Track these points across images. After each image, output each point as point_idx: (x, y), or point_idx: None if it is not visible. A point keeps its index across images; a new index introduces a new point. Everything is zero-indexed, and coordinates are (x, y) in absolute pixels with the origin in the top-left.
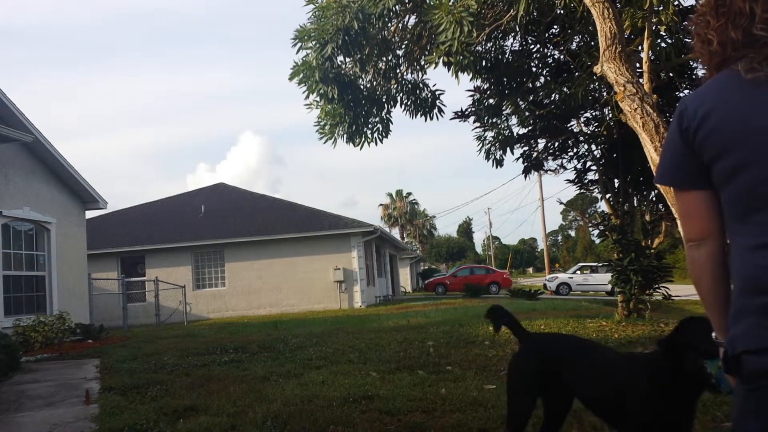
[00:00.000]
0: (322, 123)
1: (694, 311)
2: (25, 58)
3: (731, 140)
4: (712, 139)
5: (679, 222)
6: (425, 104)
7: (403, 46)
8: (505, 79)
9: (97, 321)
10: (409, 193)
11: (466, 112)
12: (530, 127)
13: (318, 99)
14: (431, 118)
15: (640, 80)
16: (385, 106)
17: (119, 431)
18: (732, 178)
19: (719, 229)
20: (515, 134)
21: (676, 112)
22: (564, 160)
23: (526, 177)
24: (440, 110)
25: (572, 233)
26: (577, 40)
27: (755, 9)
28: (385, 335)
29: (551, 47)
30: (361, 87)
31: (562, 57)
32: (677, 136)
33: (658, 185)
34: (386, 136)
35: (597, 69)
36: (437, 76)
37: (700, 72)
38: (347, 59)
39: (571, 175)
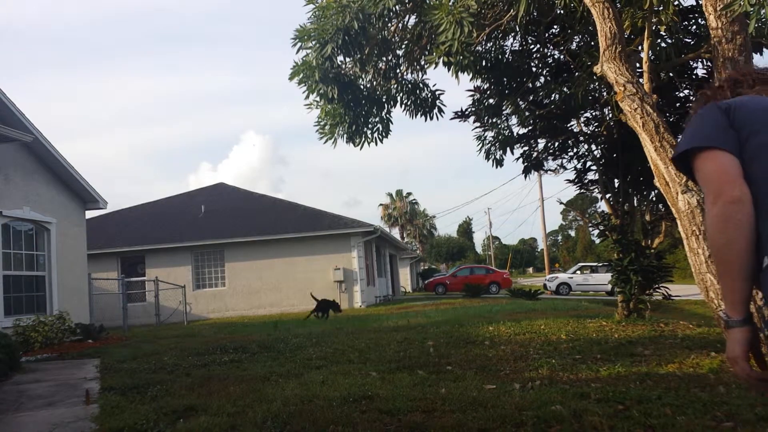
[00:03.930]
0: (322, 123)
1: (695, 311)
2: (25, 58)
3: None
4: (748, 118)
5: (709, 182)
6: (425, 104)
7: (403, 46)
8: (505, 79)
9: (97, 321)
10: (409, 193)
11: (466, 112)
12: (530, 127)
13: (318, 99)
14: (431, 118)
15: (640, 80)
16: (385, 106)
17: (119, 431)
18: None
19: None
20: (515, 134)
21: (720, 107)
22: (564, 160)
23: (526, 177)
24: (440, 110)
25: (572, 233)
26: (577, 40)
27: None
28: (385, 335)
29: (551, 47)
30: (361, 87)
31: (562, 57)
32: (719, 114)
33: (676, 161)
34: (386, 136)
35: (597, 69)
36: (437, 76)
37: (700, 72)
38: (347, 59)
39: (571, 175)
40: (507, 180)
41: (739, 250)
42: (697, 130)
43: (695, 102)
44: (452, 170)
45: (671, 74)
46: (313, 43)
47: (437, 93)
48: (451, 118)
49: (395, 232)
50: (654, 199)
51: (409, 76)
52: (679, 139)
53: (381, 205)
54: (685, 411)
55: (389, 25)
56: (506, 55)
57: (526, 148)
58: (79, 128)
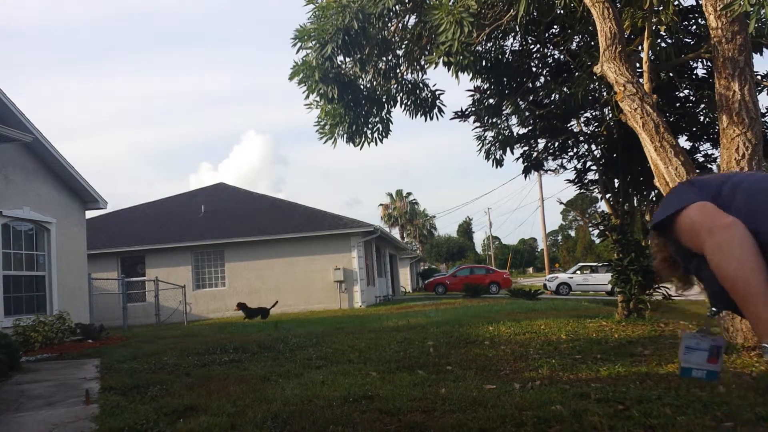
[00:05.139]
0: (322, 123)
1: (695, 311)
2: (25, 59)
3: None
4: (709, 180)
5: (697, 224)
6: (425, 104)
7: (403, 46)
8: (505, 79)
9: (97, 321)
10: (409, 193)
11: (466, 112)
12: (530, 127)
13: (318, 99)
14: (431, 118)
15: (640, 80)
16: (385, 106)
17: (119, 431)
18: None
19: None
20: (515, 134)
21: (684, 183)
22: (564, 160)
23: (526, 177)
24: (440, 110)
25: (572, 233)
26: (577, 40)
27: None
28: (385, 335)
29: (551, 47)
30: (361, 87)
31: (562, 57)
32: (686, 186)
33: (658, 187)
34: (386, 136)
35: (597, 69)
36: (437, 76)
37: (700, 72)
38: (347, 59)
39: (571, 175)
40: (507, 180)
41: (754, 267)
42: (671, 201)
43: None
44: (452, 170)
45: (671, 74)
46: (313, 43)
47: (437, 93)
48: (451, 118)
49: (395, 232)
50: (654, 199)
51: (409, 76)
52: (655, 214)
53: (381, 205)
54: (685, 411)
55: (389, 25)
56: (506, 55)
57: (526, 148)
58: (79, 128)
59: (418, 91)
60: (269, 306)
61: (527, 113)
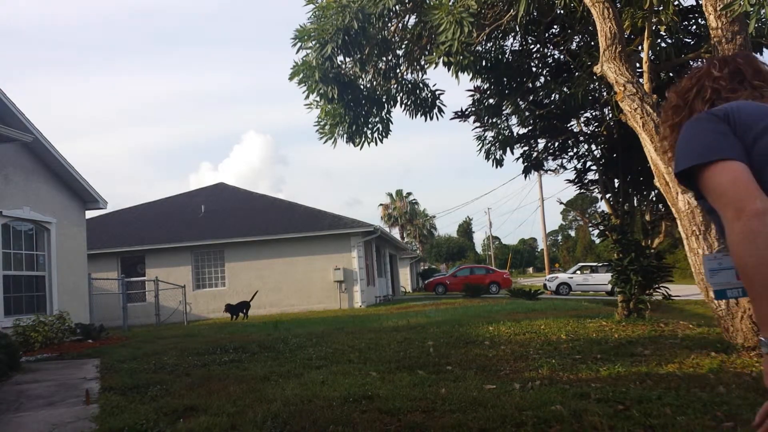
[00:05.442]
0: (322, 123)
1: (695, 311)
2: (25, 59)
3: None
4: (749, 121)
5: (725, 196)
6: (425, 104)
7: (403, 46)
8: (505, 79)
9: (97, 321)
10: (409, 193)
11: (466, 112)
12: (530, 127)
13: (318, 99)
14: (431, 118)
15: (640, 80)
16: (385, 106)
17: (119, 431)
18: None
19: None
20: (515, 134)
21: (716, 115)
22: (564, 160)
23: (526, 177)
24: (440, 110)
25: (572, 233)
26: (577, 40)
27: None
28: (385, 335)
29: (551, 47)
30: (361, 87)
31: (562, 57)
32: (718, 122)
33: (678, 175)
34: (386, 136)
35: (597, 69)
36: (437, 76)
37: None
38: (347, 59)
39: (571, 175)
40: (507, 180)
41: None
42: (700, 142)
43: (686, 79)
44: (452, 170)
45: (671, 74)
46: (313, 43)
47: (437, 93)
48: (451, 118)
49: (395, 232)
50: (654, 199)
51: (409, 76)
52: (677, 150)
53: (381, 205)
54: (685, 411)
55: (389, 25)
56: (506, 55)
57: (526, 148)
58: (79, 128)
59: (418, 91)
60: (249, 299)
61: (527, 113)
